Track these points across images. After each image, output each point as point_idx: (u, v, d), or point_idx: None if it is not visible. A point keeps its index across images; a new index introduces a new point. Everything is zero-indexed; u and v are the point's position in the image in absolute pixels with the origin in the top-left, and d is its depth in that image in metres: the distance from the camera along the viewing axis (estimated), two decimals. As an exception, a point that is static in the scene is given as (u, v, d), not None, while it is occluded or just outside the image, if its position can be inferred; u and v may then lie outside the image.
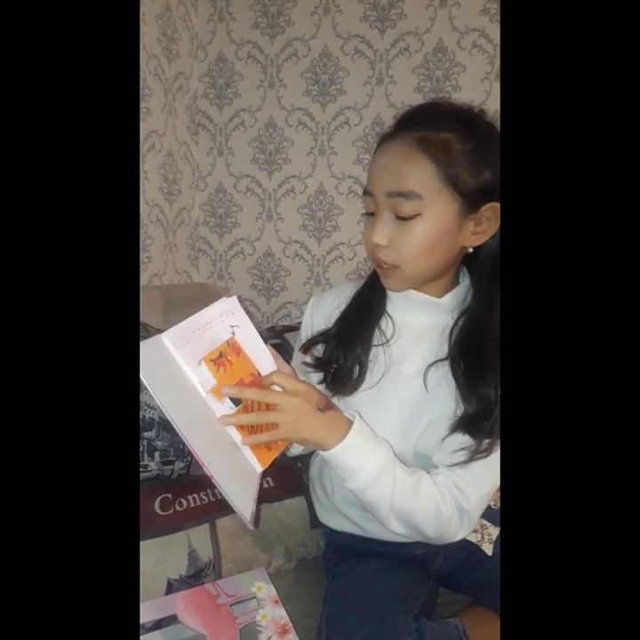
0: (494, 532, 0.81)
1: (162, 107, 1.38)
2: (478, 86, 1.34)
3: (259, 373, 0.66)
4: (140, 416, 0.85)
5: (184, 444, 0.86)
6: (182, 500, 0.84)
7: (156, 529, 0.80)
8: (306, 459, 0.92)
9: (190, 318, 0.60)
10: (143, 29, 1.25)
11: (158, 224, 1.42)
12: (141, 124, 1.28)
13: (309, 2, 1.43)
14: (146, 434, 0.85)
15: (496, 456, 0.65)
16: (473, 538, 0.80)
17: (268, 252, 1.61)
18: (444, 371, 0.68)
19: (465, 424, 0.65)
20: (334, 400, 0.72)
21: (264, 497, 0.89)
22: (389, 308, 0.74)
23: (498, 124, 0.65)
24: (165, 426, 0.85)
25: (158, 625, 0.71)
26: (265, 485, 0.92)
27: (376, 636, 0.63)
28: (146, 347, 0.53)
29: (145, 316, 1.02)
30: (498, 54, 1.31)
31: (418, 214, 0.62)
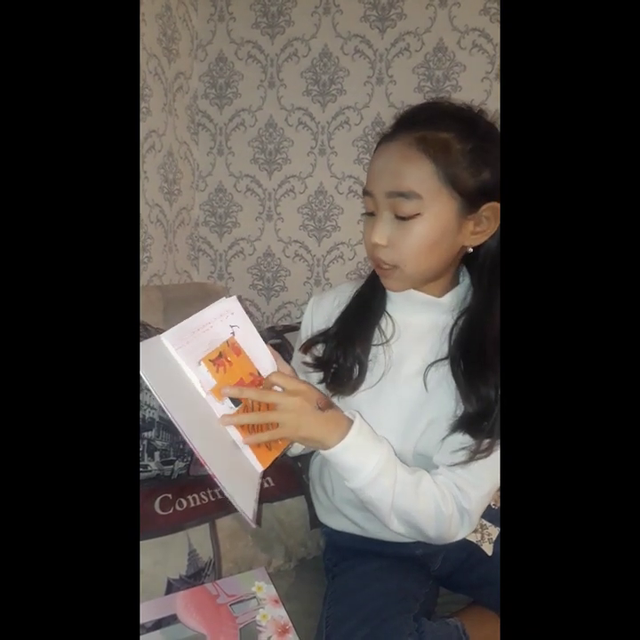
0: (494, 531, 0.81)
1: (162, 106, 1.38)
2: (478, 86, 1.34)
3: (259, 373, 0.66)
4: (140, 416, 0.85)
5: (184, 444, 0.87)
6: (182, 499, 0.84)
7: (156, 529, 0.80)
8: (306, 458, 0.92)
9: (190, 319, 0.60)
10: (143, 29, 1.25)
11: (158, 224, 1.42)
12: (141, 124, 1.28)
13: (309, 1, 1.43)
14: (146, 434, 0.85)
15: (496, 456, 0.65)
16: (473, 538, 0.80)
17: (268, 251, 1.61)
18: (444, 370, 0.68)
19: (465, 424, 0.65)
20: (334, 400, 0.72)
21: (264, 497, 0.89)
22: (389, 307, 0.74)
23: (498, 124, 0.65)
24: (165, 426, 0.85)
25: (158, 625, 0.71)
26: (265, 485, 0.92)
27: (376, 636, 0.63)
28: (145, 347, 0.53)
29: (145, 316, 1.02)
30: (498, 54, 1.31)
31: (417, 214, 0.62)
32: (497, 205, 0.63)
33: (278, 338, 1.10)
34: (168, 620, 0.71)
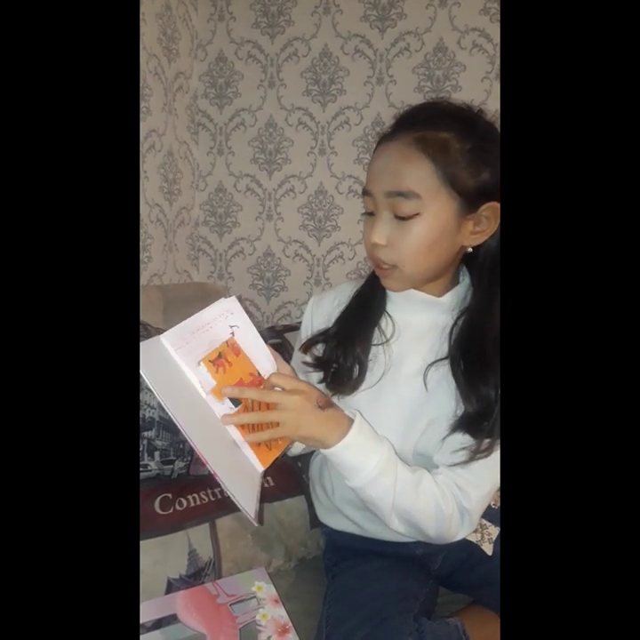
0: (494, 531, 0.81)
1: (162, 106, 1.38)
2: (478, 86, 1.34)
3: (258, 373, 0.66)
4: (140, 415, 0.85)
5: (184, 444, 0.87)
6: (182, 499, 0.84)
7: (156, 528, 0.80)
8: (306, 458, 0.92)
9: (189, 319, 0.60)
10: (143, 29, 1.25)
11: (158, 223, 1.42)
12: (141, 124, 1.28)
13: (310, 1, 1.43)
14: (146, 433, 0.85)
15: (496, 456, 0.65)
16: (473, 537, 0.80)
17: (267, 251, 1.61)
18: (444, 370, 0.68)
19: (465, 424, 0.65)
20: (334, 399, 0.72)
21: (264, 496, 0.88)
22: (389, 307, 0.74)
23: (498, 124, 0.65)
24: (165, 425, 0.85)
25: (158, 624, 0.71)
26: (265, 485, 0.92)
27: (376, 636, 0.63)
28: (145, 347, 0.53)
29: (145, 316, 1.02)
30: (498, 54, 1.31)
31: (417, 214, 0.62)
32: (496, 205, 0.63)
33: (278, 338, 1.10)
34: (168, 620, 0.71)
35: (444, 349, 0.69)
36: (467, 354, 0.66)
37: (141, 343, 0.53)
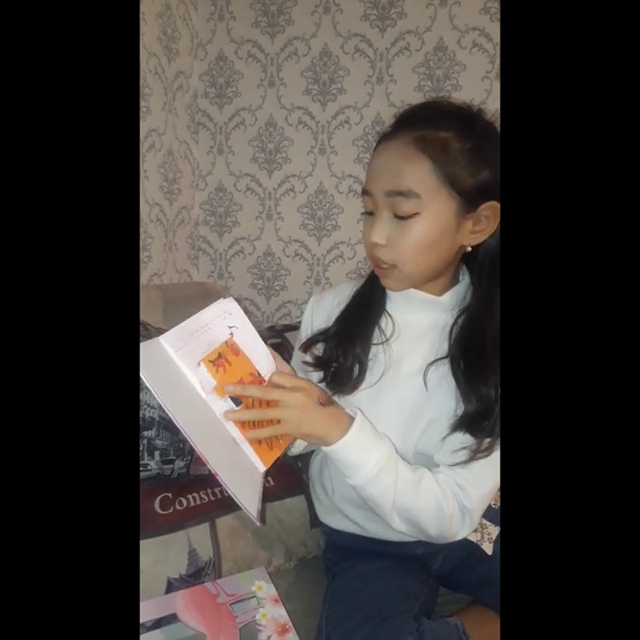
0: (494, 531, 0.81)
1: (162, 105, 1.37)
2: (479, 85, 1.34)
3: (258, 373, 0.66)
4: (140, 415, 0.85)
5: (184, 443, 0.87)
6: (182, 499, 0.84)
7: (156, 528, 0.80)
8: (306, 458, 0.92)
9: (188, 320, 0.60)
10: (143, 28, 1.25)
11: (158, 223, 1.42)
12: (141, 123, 1.28)
13: (310, 1, 1.43)
14: (146, 433, 0.85)
15: (497, 455, 0.65)
16: (473, 537, 0.80)
17: (268, 251, 1.61)
18: (444, 369, 0.68)
19: (465, 423, 0.65)
20: (334, 399, 0.72)
21: (264, 496, 0.88)
22: (389, 306, 0.74)
23: (498, 124, 0.64)
24: (165, 425, 0.85)
25: (158, 624, 0.71)
26: (265, 484, 0.91)
27: (376, 636, 0.63)
28: (144, 349, 0.53)
29: (145, 315, 1.02)
30: (498, 53, 1.31)
31: (416, 213, 0.62)
32: (496, 205, 0.63)
33: (278, 337, 1.10)
34: (168, 619, 0.71)
35: (444, 348, 0.69)
36: (467, 353, 0.66)
37: (141, 344, 0.53)
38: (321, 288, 1.58)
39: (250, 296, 1.65)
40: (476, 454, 0.64)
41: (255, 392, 0.62)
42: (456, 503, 0.66)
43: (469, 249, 0.67)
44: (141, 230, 1.33)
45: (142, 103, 1.27)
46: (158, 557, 0.78)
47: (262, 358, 0.67)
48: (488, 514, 0.76)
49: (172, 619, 0.71)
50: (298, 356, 0.78)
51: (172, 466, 0.88)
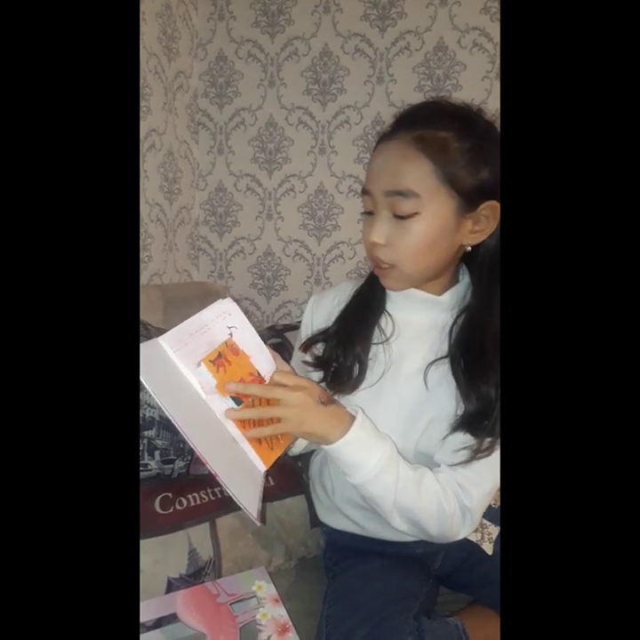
0: (494, 531, 0.81)
1: (162, 105, 1.37)
2: (479, 85, 1.34)
3: (258, 373, 0.66)
4: (140, 415, 0.85)
5: (184, 443, 0.87)
6: (182, 498, 0.84)
7: (157, 528, 0.80)
8: (306, 458, 0.92)
9: (187, 321, 0.60)
10: (143, 28, 1.25)
11: (158, 223, 1.42)
12: (141, 123, 1.28)
13: (310, 0, 1.43)
14: (146, 433, 0.85)
15: (498, 454, 0.65)
16: (473, 537, 0.80)
17: (268, 251, 1.61)
18: (445, 369, 0.68)
19: (466, 423, 0.65)
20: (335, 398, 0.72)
21: (264, 496, 0.88)
22: (389, 306, 0.74)
23: (498, 124, 0.64)
24: (165, 425, 0.85)
25: (158, 623, 0.71)
26: (265, 484, 0.92)
27: (376, 635, 0.63)
28: (144, 349, 0.53)
29: (145, 315, 1.02)
30: (498, 53, 1.31)
31: (416, 213, 0.62)
32: (495, 204, 0.63)
33: (278, 337, 1.10)
34: (168, 619, 0.71)
35: (444, 348, 0.69)
36: (467, 352, 0.66)
37: (140, 345, 0.53)
38: (321, 288, 1.58)
39: (250, 296, 1.65)
40: (476, 454, 0.64)
41: (257, 391, 0.62)
42: (457, 503, 0.66)
43: (469, 248, 0.67)
44: (141, 230, 1.33)
45: (142, 103, 1.27)
46: (158, 557, 0.78)
47: (262, 358, 0.67)
48: (488, 514, 0.76)
49: (172, 618, 0.71)
50: (298, 355, 0.78)
51: (172, 466, 0.88)
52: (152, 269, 1.41)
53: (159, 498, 0.83)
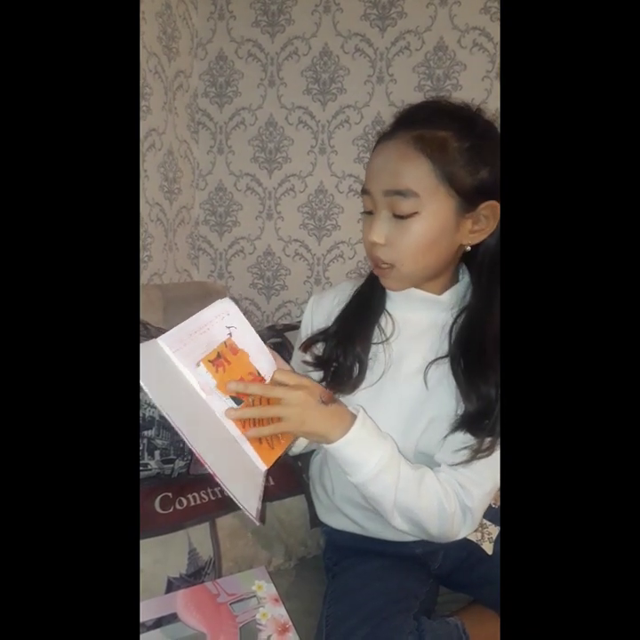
0: (494, 530, 0.81)
1: (162, 105, 1.37)
2: (479, 85, 1.33)
3: (258, 373, 0.66)
4: (140, 415, 0.85)
5: (184, 443, 0.87)
6: (182, 498, 0.84)
7: (157, 528, 0.80)
8: (306, 457, 0.92)
9: (186, 321, 0.60)
10: (143, 27, 1.25)
11: (158, 223, 1.42)
12: (141, 123, 1.28)
13: (310, 0, 1.43)
14: (146, 432, 0.85)
15: (498, 454, 0.65)
16: (473, 537, 0.80)
17: (268, 250, 1.61)
18: (445, 368, 0.68)
19: (466, 423, 0.65)
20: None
21: (264, 495, 0.88)
22: (389, 305, 0.74)
23: (498, 124, 0.64)
24: (165, 424, 0.85)
25: (158, 623, 0.71)
26: (265, 484, 0.92)
27: (376, 635, 0.63)
28: (143, 350, 0.53)
29: (145, 315, 1.02)
30: (498, 53, 1.31)
31: (415, 213, 0.62)
32: (495, 204, 0.63)
33: (278, 337, 1.10)
34: (168, 619, 0.71)
35: (444, 348, 0.69)
36: (467, 352, 0.66)
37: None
38: (321, 288, 1.58)
39: (250, 296, 1.65)
40: (477, 454, 0.64)
41: (257, 390, 0.62)
42: (458, 502, 0.66)
43: (469, 248, 0.67)
44: (141, 230, 1.33)
45: (142, 103, 1.27)
46: (158, 557, 0.78)
47: (261, 358, 0.67)
48: (488, 514, 0.76)
49: (172, 618, 0.71)
50: (298, 355, 0.78)
51: (172, 465, 0.88)
52: (152, 269, 1.41)
53: (159, 497, 0.83)
